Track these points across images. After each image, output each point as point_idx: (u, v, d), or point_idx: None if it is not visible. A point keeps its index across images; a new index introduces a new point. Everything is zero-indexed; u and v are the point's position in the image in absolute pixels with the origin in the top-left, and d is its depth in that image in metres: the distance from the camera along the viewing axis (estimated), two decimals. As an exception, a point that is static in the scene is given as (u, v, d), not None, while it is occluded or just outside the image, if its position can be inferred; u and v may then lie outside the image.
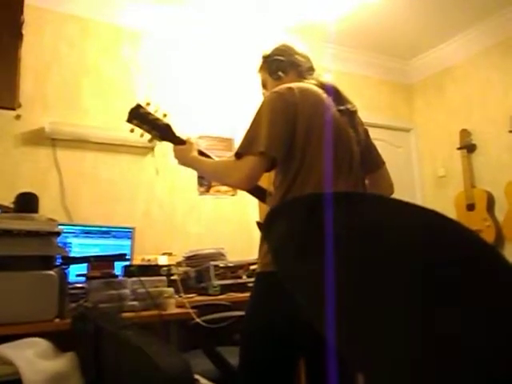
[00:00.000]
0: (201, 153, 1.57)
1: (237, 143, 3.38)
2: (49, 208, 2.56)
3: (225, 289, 2.41)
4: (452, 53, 4.11)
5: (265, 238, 0.45)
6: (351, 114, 1.49)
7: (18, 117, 2.65)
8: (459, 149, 3.87)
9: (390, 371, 0.45)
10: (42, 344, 1.19)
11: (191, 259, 2.67)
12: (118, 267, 1.84)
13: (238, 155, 1.34)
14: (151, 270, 1.73)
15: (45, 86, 2.86)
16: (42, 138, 2.77)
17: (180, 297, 1.89)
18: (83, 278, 1.78)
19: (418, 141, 4.44)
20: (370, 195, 0.34)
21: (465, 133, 3.88)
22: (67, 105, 2.91)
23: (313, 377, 1.45)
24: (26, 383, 0.97)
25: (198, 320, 1.62)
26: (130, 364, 0.85)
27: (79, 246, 2.49)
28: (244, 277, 2.52)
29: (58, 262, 1.62)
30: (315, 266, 0.36)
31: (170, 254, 2.76)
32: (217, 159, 1.58)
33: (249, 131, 1.35)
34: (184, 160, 1.55)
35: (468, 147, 3.84)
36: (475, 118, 3.91)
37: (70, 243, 2.46)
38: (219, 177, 1.48)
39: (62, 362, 1.10)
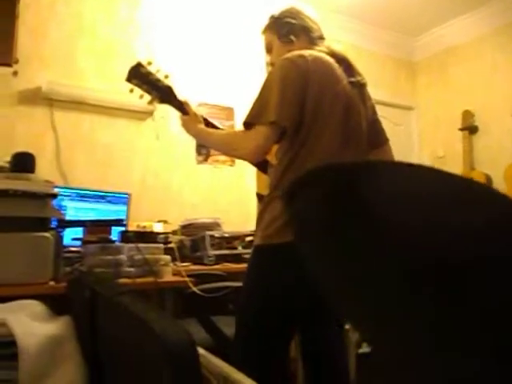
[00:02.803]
0: (206, 121, 1.53)
1: (237, 113, 3.32)
2: (44, 170, 2.49)
3: (220, 259, 2.39)
4: (459, 31, 4.02)
5: (286, 207, 0.42)
6: (361, 87, 1.45)
7: (15, 73, 2.57)
8: (461, 130, 3.83)
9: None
10: (36, 306, 1.17)
11: (187, 228, 2.65)
12: (114, 233, 1.81)
13: (247, 125, 1.30)
14: (148, 236, 1.71)
15: (42, 43, 2.77)
16: (38, 98, 2.69)
17: (175, 265, 1.88)
18: (78, 242, 1.76)
19: (419, 120, 4.39)
20: (412, 164, 0.31)
21: (467, 114, 3.83)
22: (65, 64, 2.83)
23: (307, 347, 1.46)
24: (20, 345, 0.96)
25: (194, 289, 1.61)
26: (127, 331, 0.83)
27: (74, 210, 2.46)
28: (239, 248, 2.51)
29: (54, 224, 1.59)
30: (350, 241, 0.33)
31: (165, 222, 2.74)
32: (222, 128, 1.53)
33: (258, 99, 1.30)
34: (191, 131, 1.51)
35: (470, 128, 3.80)
36: (479, 100, 3.86)
37: (65, 206, 2.43)
38: (228, 149, 1.42)
39: (58, 326, 1.08)
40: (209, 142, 1.51)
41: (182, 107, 1.50)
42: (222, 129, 1.55)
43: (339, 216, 0.33)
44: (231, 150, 1.40)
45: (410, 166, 0.31)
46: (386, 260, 0.35)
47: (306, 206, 0.37)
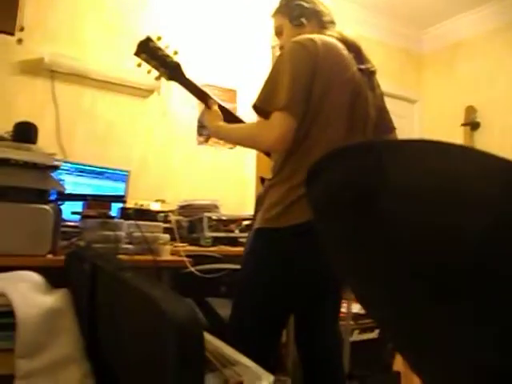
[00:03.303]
0: (220, 107, 1.52)
1: (240, 95, 3.29)
2: (43, 142, 2.47)
3: (216, 241, 2.39)
4: (468, 26, 3.98)
5: (308, 186, 0.41)
6: (370, 75, 1.44)
7: (19, 41, 2.52)
8: (463, 125, 3.82)
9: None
10: (34, 278, 1.16)
11: (185, 209, 2.64)
12: (114, 209, 1.80)
13: (256, 108, 1.28)
14: (148, 214, 1.69)
15: (47, 14, 2.71)
16: (40, 69, 2.65)
17: (171, 245, 1.87)
18: (77, 217, 1.75)
19: (422, 113, 4.38)
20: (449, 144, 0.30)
21: (470, 109, 3.82)
22: (69, 36, 2.78)
23: (302, 334, 1.47)
24: (19, 316, 0.95)
25: (192, 269, 1.61)
26: (129, 306, 0.82)
27: (72, 185, 2.44)
28: (236, 231, 2.50)
29: (54, 197, 1.58)
30: (379, 221, 0.32)
31: (162, 202, 2.72)
32: (235, 114, 1.52)
33: (268, 83, 1.28)
34: (212, 128, 1.49)
35: (472, 124, 3.79)
36: (483, 96, 3.84)
37: (63, 181, 2.40)
38: (253, 142, 1.38)
39: (56, 298, 1.08)
40: (231, 138, 1.51)
41: (189, 86, 1.49)
42: (234, 115, 1.54)
43: (351, 202, 0.33)
44: (256, 142, 1.36)
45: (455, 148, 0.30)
46: (388, 257, 0.35)
47: (324, 190, 0.36)
